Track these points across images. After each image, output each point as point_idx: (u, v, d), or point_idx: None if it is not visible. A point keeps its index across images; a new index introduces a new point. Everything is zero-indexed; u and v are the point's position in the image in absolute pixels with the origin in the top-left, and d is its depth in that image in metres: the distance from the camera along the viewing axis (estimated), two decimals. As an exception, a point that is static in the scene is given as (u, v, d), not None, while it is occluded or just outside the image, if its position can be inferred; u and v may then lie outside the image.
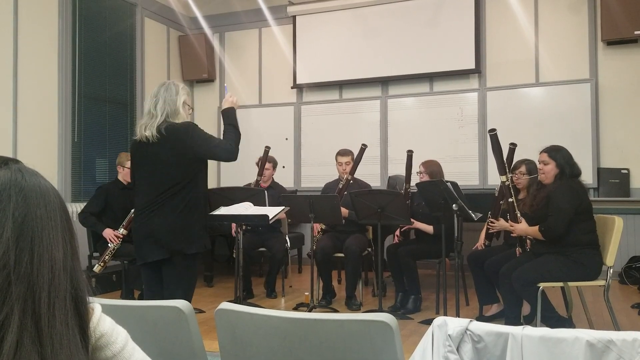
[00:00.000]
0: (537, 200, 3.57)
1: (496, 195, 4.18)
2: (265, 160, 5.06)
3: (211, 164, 3.03)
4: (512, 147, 4.05)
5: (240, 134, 3.00)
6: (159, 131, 2.74)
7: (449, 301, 4.03)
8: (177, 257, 2.81)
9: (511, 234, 3.90)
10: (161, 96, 2.79)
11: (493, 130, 3.68)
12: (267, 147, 5.00)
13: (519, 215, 3.67)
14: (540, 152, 3.62)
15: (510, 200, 3.69)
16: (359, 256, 4.62)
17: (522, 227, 3.63)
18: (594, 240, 3.47)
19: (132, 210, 4.62)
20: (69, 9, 5.61)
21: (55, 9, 5.50)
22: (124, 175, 4.82)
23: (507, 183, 3.69)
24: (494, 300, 4.08)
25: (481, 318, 4.03)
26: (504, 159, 3.75)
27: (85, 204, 4.88)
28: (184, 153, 2.75)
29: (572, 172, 3.51)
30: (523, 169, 4.08)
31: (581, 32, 5.86)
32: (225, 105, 3.06)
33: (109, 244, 4.53)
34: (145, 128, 2.78)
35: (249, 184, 5.10)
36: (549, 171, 3.54)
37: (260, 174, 5.05)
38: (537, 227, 3.49)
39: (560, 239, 3.42)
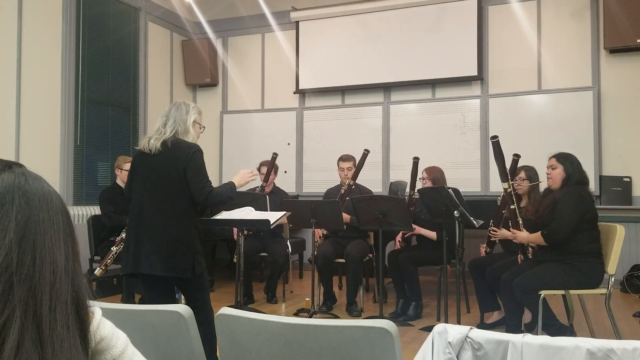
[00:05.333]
0: (543, 206, 3.57)
1: (499, 204, 4.18)
2: (272, 167, 5.06)
3: (212, 168, 3.06)
4: (516, 158, 4.06)
5: (230, 197, 2.99)
6: (164, 144, 2.78)
7: (450, 308, 4.02)
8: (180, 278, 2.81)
9: (513, 241, 3.89)
10: (172, 116, 2.84)
11: (495, 137, 3.70)
12: (274, 154, 5.00)
13: (520, 222, 3.67)
14: (550, 158, 3.63)
15: (512, 207, 3.69)
16: (360, 262, 4.61)
17: (523, 235, 3.63)
18: (596, 249, 3.46)
19: None
20: (72, 13, 5.63)
21: (59, 13, 5.53)
22: (122, 177, 4.86)
23: (509, 190, 3.70)
24: (495, 307, 4.07)
25: (482, 325, 4.02)
26: (506, 167, 3.75)
27: (86, 207, 4.90)
28: (177, 169, 2.78)
29: (580, 178, 3.50)
30: (522, 174, 4.09)
31: (584, 39, 5.87)
32: (235, 179, 3.07)
33: (112, 248, 4.54)
34: (150, 140, 2.82)
35: (254, 189, 5.10)
36: (556, 175, 3.54)
37: (265, 180, 5.06)
38: (538, 233, 3.48)
39: (562, 244, 3.41)
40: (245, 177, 3.09)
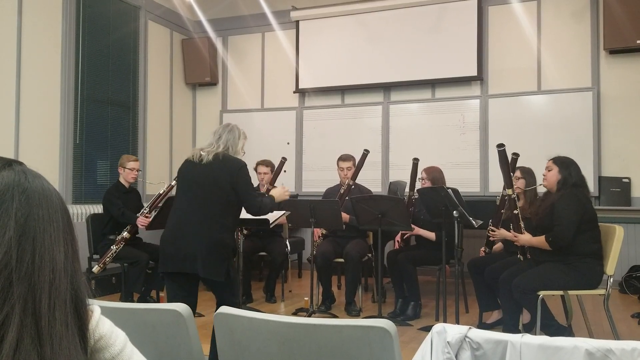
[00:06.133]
0: (542, 208, 3.58)
1: (497, 204, 4.18)
2: (280, 171, 5.05)
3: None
4: (515, 157, 4.05)
5: (272, 208, 3.22)
6: (216, 156, 2.95)
7: (448, 308, 4.03)
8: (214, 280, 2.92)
9: (513, 243, 3.89)
10: (224, 136, 3.04)
11: (502, 145, 3.64)
12: (283, 158, 4.99)
13: (522, 226, 3.67)
14: (548, 160, 3.64)
15: (515, 212, 3.68)
16: (359, 262, 4.61)
17: (526, 238, 3.62)
18: (597, 249, 3.46)
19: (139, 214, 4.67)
20: (72, 12, 5.62)
21: (59, 11, 5.52)
22: (125, 175, 4.86)
23: (513, 196, 3.69)
24: (495, 306, 4.07)
25: (482, 325, 4.02)
26: (511, 175, 3.75)
27: (85, 205, 4.89)
28: (225, 179, 2.93)
29: (576, 181, 3.50)
30: (518, 173, 4.12)
31: (584, 40, 5.87)
32: (275, 194, 3.28)
33: (112, 247, 4.54)
34: (201, 152, 2.99)
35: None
36: (551, 177, 3.55)
37: (272, 183, 5.06)
38: (542, 237, 3.47)
39: (568, 247, 3.41)
40: (283, 196, 3.32)
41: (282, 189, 3.36)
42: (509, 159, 3.76)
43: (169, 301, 3.05)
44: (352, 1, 6.71)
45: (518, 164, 4.18)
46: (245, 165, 3.02)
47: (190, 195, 2.98)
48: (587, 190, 3.58)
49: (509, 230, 3.77)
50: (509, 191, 3.69)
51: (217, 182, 2.93)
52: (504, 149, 3.63)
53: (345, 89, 6.83)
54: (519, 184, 4.08)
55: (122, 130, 6.33)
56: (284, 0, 6.93)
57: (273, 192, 3.30)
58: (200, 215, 2.92)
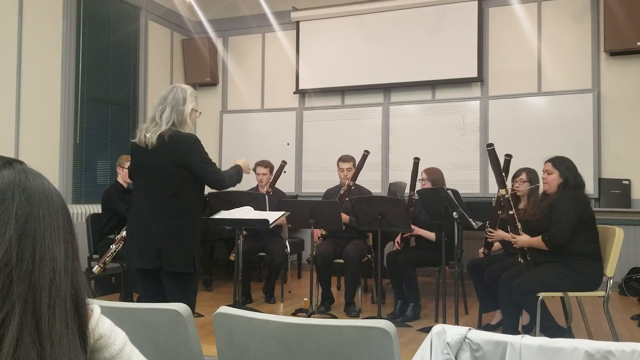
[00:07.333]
0: (540, 209, 3.58)
1: (493, 205, 4.17)
2: (280, 174, 5.05)
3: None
4: (508, 158, 4.06)
5: (239, 179, 3.03)
6: (161, 138, 2.73)
7: (448, 309, 4.02)
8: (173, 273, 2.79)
9: (512, 245, 3.89)
10: (168, 104, 2.76)
11: (490, 145, 3.67)
12: (283, 161, 4.98)
13: (519, 227, 3.67)
14: (545, 162, 3.63)
15: (510, 212, 3.68)
16: (358, 263, 4.61)
17: (523, 239, 3.62)
18: (595, 250, 3.46)
19: None
20: (73, 12, 5.63)
21: (59, 11, 5.52)
22: (123, 176, 4.87)
23: (507, 196, 3.69)
24: (497, 306, 4.06)
25: (487, 326, 4.02)
26: (503, 174, 3.74)
27: (85, 205, 4.90)
28: (178, 161, 2.74)
29: (576, 182, 3.51)
30: (524, 176, 4.09)
31: (584, 42, 5.88)
32: (241, 162, 3.12)
33: (111, 246, 4.54)
34: (146, 134, 2.76)
35: (254, 188, 5.10)
36: (552, 180, 3.55)
37: (272, 185, 5.05)
38: (539, 238, 3.48)
39: (564, 247, 3.41)
40: (246, 169, 3.11)
41: (247, 163, 3.12)
42: (499, 158, 3.75)
43: (140, 296, 2.95)
44: (353, 2, 6.72)
45: (521, 166, 4.17)
46: (196, 140, 2.76)
47: (144, 185, 2.79)
48: (584, 189, 3.58)
49: (507, 231, 3.77)
50: (503, 191, 3.69)
51: (167, 168, 2.71)
52: (493, 148, 3.64)
53: (346, 90, 6.83)
54: (525, 186, 4.06)
55: (122, 130, 6.32)
56: (285, 1, 6.94)
57: (239, 161, 3.08)
58: (157, 207, 2.73)
